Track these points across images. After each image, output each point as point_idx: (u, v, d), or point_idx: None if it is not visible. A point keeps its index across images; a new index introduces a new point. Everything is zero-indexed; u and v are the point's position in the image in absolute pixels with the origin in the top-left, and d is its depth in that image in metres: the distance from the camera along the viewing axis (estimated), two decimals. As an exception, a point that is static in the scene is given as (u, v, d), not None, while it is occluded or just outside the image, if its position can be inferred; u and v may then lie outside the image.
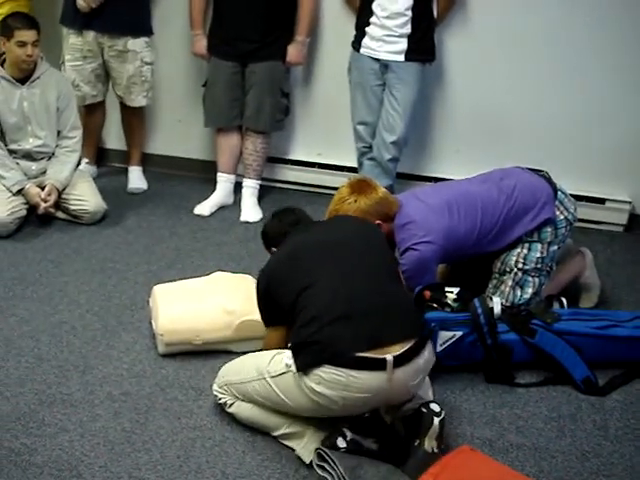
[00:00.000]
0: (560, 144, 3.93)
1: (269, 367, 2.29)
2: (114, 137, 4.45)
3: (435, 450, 2.18)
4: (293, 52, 3.83)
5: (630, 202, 3.95)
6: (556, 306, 3.01)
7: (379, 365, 2.12)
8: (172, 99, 4.35)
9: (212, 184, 4.13)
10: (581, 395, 2.68)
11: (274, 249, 2.62)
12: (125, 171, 4.34)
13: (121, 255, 3.53)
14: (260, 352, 2.45)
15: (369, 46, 3.67)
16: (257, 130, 3.94)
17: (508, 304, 2.90)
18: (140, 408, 2.52)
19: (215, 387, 2.49)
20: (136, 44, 3.87)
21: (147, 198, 4.16)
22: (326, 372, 2.12)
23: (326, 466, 2.14)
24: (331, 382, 2.12)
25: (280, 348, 2.39)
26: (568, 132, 3.92)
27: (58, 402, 2.52)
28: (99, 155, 4.43)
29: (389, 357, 2.12)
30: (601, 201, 3.95)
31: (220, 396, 2.47)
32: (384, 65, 3.67)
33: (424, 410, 2.21)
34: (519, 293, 2.93)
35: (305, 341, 2.18)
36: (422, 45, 3.66)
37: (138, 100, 4.03)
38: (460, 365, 2.75)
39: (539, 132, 3.93)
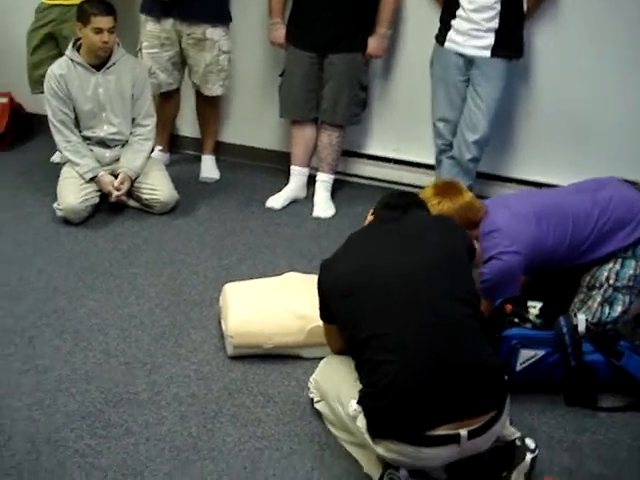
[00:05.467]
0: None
1: (344, 400, 2.21)
2: (188, 124, 4.40)
3: (521, 486, 2.07)
4: (374, 44, 3.69)
5: None
6: (645, 326, 2.83)
7: (452, 440, 2.00)
8: (248, 88, 4.26)
9: (285, 175, 4.05)
10: (669, 424, 2.53)
11: (370, 215, 2.46)
12: (198, 159, 4.28)
13: (192, 247, 3.48)
14: (345, 368, 2.30)
15: (454, 40, 3.51)
16: (333, 123, 3.83)
17: (594, 321, 2.75)
18: (207, 413, 2.47)
19: (311, 379, 2.48)
20: (214, 33, 3.79)
21: (219, 188, 4.10)
22: (396, 444, 2.03)
23: (398, 491, 2.04)
24: (399, 453, 2.04)
25: (338, 341, 2.34)
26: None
27: (124, 402, 2.49)
28: (172, 142, 4.39)
29: (464, 432, 2.00)
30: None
31: (312, 390, 2.46)
32: (469, 60, 3.50)
33: (518, 444, 2.12)
34: (607, 310, 2.76)
35: (375, 409, 2.06)
36: (510, 40, 3.47)
37: (214, 89, 3.96)
38: (538, 384, 2.62)
39: (632, 137, 3.70)
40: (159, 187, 3.70)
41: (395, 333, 2.06)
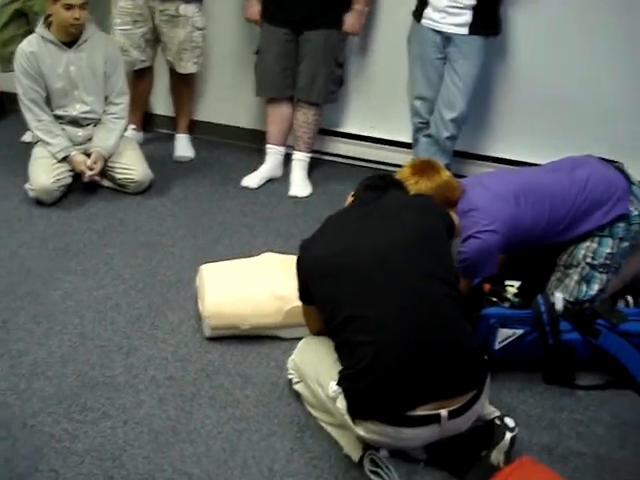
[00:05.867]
0: (631, 129, 3.70)
1: (323, 381, 2.20)
2: (161, 102, 4.33)
3: (501, 465, 2.09)
4: (351, 21, 3.64)
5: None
6: (621, 304, 2.85)
7: (433, 420, 2.00)
8: (222, 66, 4.20)
9: (260, 154, 4.01)
10: (645, 401, 2.55)
11: (351, 197, 2.45)
12: (172, 138, 4.22)
13: (167, 228, 3.44)
14: (324, 349, 2.30)
15: (431, 17, 3.47)
16: (310, 101, 3.79)
17: (572, 299, 2.76)
18: (185, 395, 2.44)
19: (290, 360, 2.46)
20: (188, 9, 3.71)
21: (194, 167, 4.05)
22: (376, 425, 2.02)
23: (380, 472, 2.04)
24: (379, 433, 2.04)
25: (318, 321, 2.34)
26: (635, 113, 3.68)
27: (101, 385, 2.46)
28: (145, 120, 4.32)
29: (444, 413, 2.00)
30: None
31: (290, 371, 2.45)
32: (446, 38, 3.47)
33: (498, 423, 2.13)
34: (585, 289, 2.77)
35: (355, 390, 2.05)
36: (487, 18, 3.44)
37: (188, 67, 3.89)
38: (516, 363, 2.63)
39: (608, 114, 3.71)
40: (133, 166, 3.64)
41: (374, 315, 2.05)
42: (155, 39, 3.86)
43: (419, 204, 2.35)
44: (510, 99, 3.83)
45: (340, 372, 2.12)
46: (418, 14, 3.53)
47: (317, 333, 2.43)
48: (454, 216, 2.53)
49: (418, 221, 2.23)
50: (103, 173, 3.64)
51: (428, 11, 3.48)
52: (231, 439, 2.28)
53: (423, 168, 2.71)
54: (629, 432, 2.41)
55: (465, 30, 3.42)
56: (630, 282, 2.96)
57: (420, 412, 2.00)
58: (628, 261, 2.92)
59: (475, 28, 3.41)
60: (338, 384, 2.11)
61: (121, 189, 3.68)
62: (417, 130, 3.76)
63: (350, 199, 2.46)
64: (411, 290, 2.07)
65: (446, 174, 2.73)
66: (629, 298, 2.85)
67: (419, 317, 2.04)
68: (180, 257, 3.22)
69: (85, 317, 2.79)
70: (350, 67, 3.99)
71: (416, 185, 2.64)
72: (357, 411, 2.07)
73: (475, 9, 3.38)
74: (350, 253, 2.15)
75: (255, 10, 3.72)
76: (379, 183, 2.41)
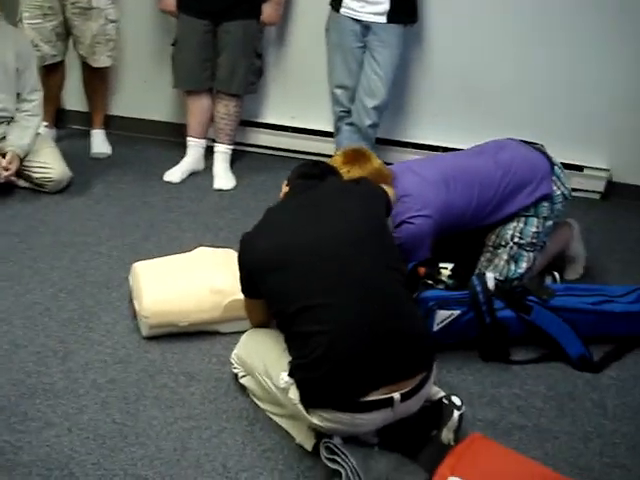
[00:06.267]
0: (540, 110, 3.85)
1: (272, 373, 2.19)
2: (73, 98, 4.20)
3: (451, 443, 2.13)
4: (269, 11, 3.63)
5: (608, 170, 3.91)
6: (549, 280, 2.96)
7: (386, 403, 2.03)
8: (137, 58, 4.11)
9: (180, 148, 3.95)
10: (576, 372, 2.65)
11: (285, 187, 2.44)
12: (86, 134, 4.11)
13: (91, 227, 3.34)
14: (269, 341, 2.30)
15: (350, 6, 3.50)
16: (230, 93, 3.75)
17: (502, 278, 2.85)
18: (129, 397, 2.39)
19: (233, 354, 2.44)
20: (100, 1, 3.61)
21: (113, 163, 3.95)
22: (330, 413, 2.03)
23: (337, 458, 2.06)
24: (334, 421, 2.04)
25: (260, 314, 2.36)
26: (549, 98, 3.83)
27: (40, 393, 2.37)
28: (57, 117, 4.17)
29: (397, 396, 2.03)
30: (579, 168, 3.90)
31: (235, 365, 2.42)
32: (365, 27, 3.51)
33: (445, 402, 2.16)
34: (513, 267, 2.87)
35: (308, 380, 2.05)
36: (405, 6, 3.51)
37: (102, 60, 3.79)
38: (453, 343, 2.69)
39: (520, 97, 3.84)
40: (51, 165, 3.52)
41: (325, 305, 2.05)
42: (66, 32, 3.73)
43: (358, 191, 2.36)
44: (427, 86, 3.90)
45: (291, 362, 2.11)
46: (336, 4, 3.55)
47: (259, 325, 2.43)
48: (388, 189, 2.57)
49: (362, 208, 2.25)
50: (19, 173, 3.50)
51: (347, 0, 3.50)
52: (181, 438, 2.24)
53: (355, 157, 2.73)
54: (565, 402, 2.51)
55: (384, 19, 3.47)
56: (553, 259, 3.09)
57: (373, 397, 2.02)
58: (551, 239, 3.04)
59: (393, 16, 3.47)
60: (290, 375, 2.11)
61: (39, 189, 3.55)
62: (339, 119, 3.78)
63: (285, 189, 2.45)
64: (361, 278, 2.09)
65: (377, 162, 2.77)
66: (556, 274, 2.98)
67: (371, 304, 2.06)
68: (108, 257, 3.13)
69: (14, 324, 2.68)
70: (268, 58, 3.97)
71: (348, 174, 2.66)
72: (311, 400, 2.07)
73: (393, -2, 3.44)
74: (297, 245, 2.14)
75: (171, 1, 3.65)
76: (315, 171, 2.42)
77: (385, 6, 3.44)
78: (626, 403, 2.53)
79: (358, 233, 2.17)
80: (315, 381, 2.04)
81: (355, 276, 2.09)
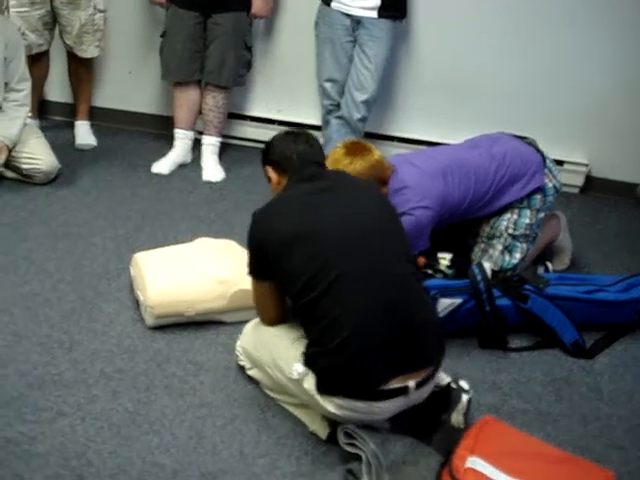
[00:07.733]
0: (522, 105, 3.92)
1: (283, 365, 2.20)
2: (56, 88, 4.15)
3: (461, 426, 2.18)
4: (259, 4, 3.64)
5: (587, 164, 4.02)
6: (541, 270, 3.04)
7: (401, 392, 2.07)
8: (123, 49, 4.08)
9: (166, 140, 3.94)
10: (571, 358, 2.73)
11: (269, 168, 2.37)
12: (69, 125, 4.07)
13: (83, 218, 3.32)
14: (275, 332, 2.30)
15: (341, 1, 3.53)
16: (219, 85, 3.75)
17: (496, 268, 2.91)
18: (139, 386, 2.39)
19: (238, 347, 2.44)
20: (89, -10, 3.59)
21: (98, 155, 3.92)
22: (346, 401, 2.06)
23: (356, 443, 2.09)
24: (350, 409, 2.07)
25: (271, 304, 2.30)
26: (531, 94, 3.91)
27: (48, 383, 2.36)
28: (40, 108, 4.12)
29: (412, 384, 2.07)
30: (559, 163, 3.98)
31: (241, 357, 2.43)
32: (356, 21, 3.55)
33: (454, 386, 2.21)
34: (508, 258, 2.94)
35: (327, 367, 2.07)
36: (395, 1, 3.55)
37: (90, 50, 3.75)
38: (452, 331, 2.75)
39: (504, 93, 3.91)
40: (40, 155, 3.48)
41: (351, 288, 2.06)
42: (53, 22, 3.69)
43: (362, 183, 2.40)
44: (417, 81, 3.95)
45: (306, 352, 2.14)
46: (327, -2, 3.58)
47: (273, 322, 2.34)
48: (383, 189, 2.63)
49: (376, 199, 2.30)
50: (7, 164, 3.45)
51: (338, -5, 3.54)
52: (195, 426, 2.26)
53: (356, 148, 2.77)
54: (562, 387, 2.59)
55: (374, 13, 3.51)
56: (543, 250, 3.18)
57: (391, 385, 2.05)
58: (542, 230, 3.13)
59: (384, 12, 3.51)
60: (305, 364, 2.13)
61: (27, 180, 3.51)
62: (328, 112, 3.81)
63: (274, 175, 2.36)
64: (386, 267, 2.12)
65: (377, 154, 2.81)
66: (548, 264, 3.06)
67: (392, 294, 2.10)
68: (103, 248, 3.12)
69: (15, 315, 2.66)
70: (256, 50, 3.97)
71: (351, 165, 2.70)
72: (328, 388, 2.08)
73: (384, -7, 3.49)
74: (325, 221, 2.13)
75: (160, -8, 3.64)
76: (304, 147, 2.35)
77: (376, 1, 3.48)
78: (620, 388, 2.62)
79: (380, 221, 2.21)
80: (336, 368, 2.06)
81: (380, 264, 2.12)
